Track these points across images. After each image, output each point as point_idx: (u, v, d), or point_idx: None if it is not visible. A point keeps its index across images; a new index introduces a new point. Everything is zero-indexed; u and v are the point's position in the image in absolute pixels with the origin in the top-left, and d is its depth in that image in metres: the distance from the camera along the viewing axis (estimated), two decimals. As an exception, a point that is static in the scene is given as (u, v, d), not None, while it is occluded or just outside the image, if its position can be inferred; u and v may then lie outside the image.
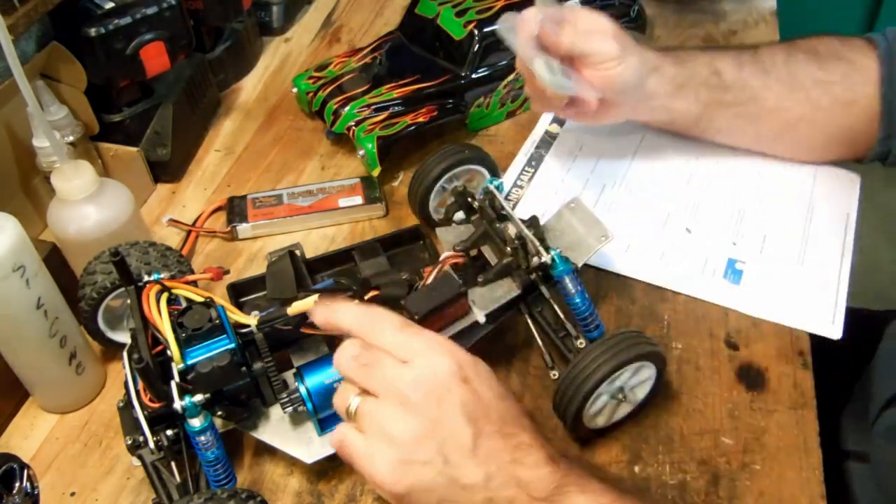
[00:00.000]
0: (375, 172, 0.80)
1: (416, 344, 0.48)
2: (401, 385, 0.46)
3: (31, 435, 0.63)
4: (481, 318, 0.58)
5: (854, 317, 0.66)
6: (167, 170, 0.83)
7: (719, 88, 0.72)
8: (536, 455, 0.47)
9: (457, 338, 0.59)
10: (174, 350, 0.52)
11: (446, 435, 0.45)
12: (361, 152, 0.79)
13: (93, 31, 0.73)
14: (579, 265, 0.61)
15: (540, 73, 0.65)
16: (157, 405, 0.51)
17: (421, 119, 0.81)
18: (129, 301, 0.55)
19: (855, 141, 0.73)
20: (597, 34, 0.67)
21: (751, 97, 0.72)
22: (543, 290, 0.61)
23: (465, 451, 0.45)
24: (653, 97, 0.72)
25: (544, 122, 0.88)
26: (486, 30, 0.82)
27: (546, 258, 0.59)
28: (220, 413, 0.54)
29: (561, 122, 0.87)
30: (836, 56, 0.71)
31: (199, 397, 0.51)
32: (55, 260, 0.66)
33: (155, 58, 0.78)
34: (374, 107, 0.81)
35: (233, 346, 0.53)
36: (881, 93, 0.69)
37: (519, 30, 0.66)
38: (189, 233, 0.78)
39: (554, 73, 0.65)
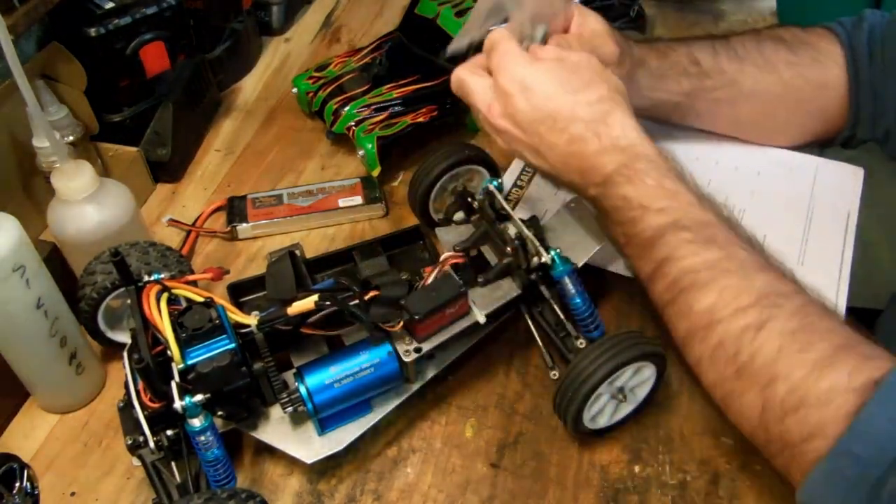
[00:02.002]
0: (375, 172, 0.79)
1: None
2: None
3: (31, 435, 0.63)
4: (481, 318, 0.58)
5: (854, 316, 0.66)
6: (167, 170, 0.83)
7: (699, 76, 0.73)
8: (591, 145, 0.56)
9: (457, 338, 0.59)
10: (174, 350, 0.52)
11: (550, 111, 0.56)
12: (361, 152, 0.79)
13: (93, 31, 0.74)
14: (579, 265, 0.61)
15: None
16: (157, 405, 0.51)
17: (421, 119, 0.81)
18: (129, 301, 0.55)
19: (827, 122, 0.75)
20: (597, 38, 0.67)
21: (729, 81, 0.73)
22: (543, 290, 0.61)
23: (555, 125, 0.56)
24: (638, 90, 0.72)
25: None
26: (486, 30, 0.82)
27: (546, 258, 0.59)
28: (220, 413, 0.54)
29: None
30: (801, 42, 0.73)
31: (199, 397, 0.51)
32: (55, 260, 0.66)
33: (155, 58, 0.78)
34: (374, 107, 0.81)
35: (233, 346, 0.53)
36: (848, 79, 0.71)
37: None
38: (189, 233, 0.78)
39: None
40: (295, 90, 0.88)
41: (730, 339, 0.49)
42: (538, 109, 0.57)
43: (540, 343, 0.62)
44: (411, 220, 0.76)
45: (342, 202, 0.79)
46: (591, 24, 0.66)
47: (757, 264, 0.51)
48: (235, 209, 0.79)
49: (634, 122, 0.57)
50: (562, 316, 0.61)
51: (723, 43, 0.74)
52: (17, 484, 0.53)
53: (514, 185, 0.81)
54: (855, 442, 0.42)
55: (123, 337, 0.64)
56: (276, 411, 0.57)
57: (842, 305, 0.67)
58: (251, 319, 0.54)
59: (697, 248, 0.52)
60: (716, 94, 0.74)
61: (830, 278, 0.69)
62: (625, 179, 0.55)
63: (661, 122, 0.79)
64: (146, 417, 0.52)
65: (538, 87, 0.57)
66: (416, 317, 0.55)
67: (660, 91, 0.73)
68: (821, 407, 0.44)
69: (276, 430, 0.57)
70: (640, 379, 0.58)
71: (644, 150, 0.56)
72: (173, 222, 0.78)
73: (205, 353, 0.52)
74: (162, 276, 0.57)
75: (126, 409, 0.54)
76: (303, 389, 0.55)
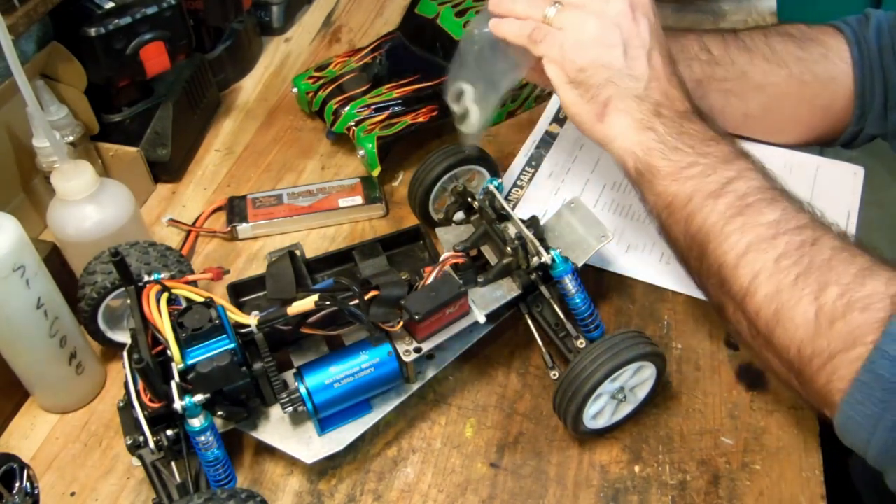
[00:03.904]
0: (375, 172, 0.79)
1: None
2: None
3: (31, 435, 0.63)
4: (481, 318, 0.59)
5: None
6: (167, 170, 0.83)
7: (710, 63, 0.73)
8: (681, 85, 0.61)
9: (457, 338, 0.59)
10: (174, 350, 0.52)
11: (633, 34, 0.59)
12: (361, 152, 0.79)
13: (93, 31, 0.73)
14: (579, 265, 0.61)
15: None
16: (157, 405, 0.51)
17: (421, 119, 0.81)
18: (129, 301, 0.55)
19: (833, 119, 0.75)
20: None
21: (740, 73, 0.74)
22: (543, 290, 0.61)
23: (642, 51, 0.59)
24: None
25: (544, 122, 0.88)
26: (485, 30, 0.82)
27: (546, 258, 0.59)
28: (220, 413, 0.54)
29: (561, 122, 0.87)
30: (809, 38, 0.73)
31: (199, 397, 0.51)
32: (55, 260, 0.66)
33: (155, 58, 0.78)
34: (374, 107, 0.81)
35: (233, 346, 0.53)
36: (854, 74, 0.71)
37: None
38: (189, 233, 0.78)
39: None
40: (295, 90, 0.88)
41: (791, 249, 0.52)
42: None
43: (540, 343, 0.62)
44: (411, 220, 0.76)
45: (342, 202, 0.79)
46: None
47: (800, 201, 0.56)
48: (235, 209, 0.79)
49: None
50: (562, 316, 0.61)
51: (731, 35, 0.75)
52: (17, 484, 0.53)
53: (514, 185, 0.81)
54: (890, 344, 0.45)
55: (123, 337, 0.64)
56: (276, 411, 0.57)
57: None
58: (251, 319, 0.54)
59: (760, 175, 0.57)
60: (727, 84, 0.74)
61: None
62: (700, 117, 0.60)
63: None
64: (146, 417, 0.52)
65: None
66: (416, 317, 0.55)
67: None
68: (863, 311, 0.47)
69: (276, 430, 0.57)
70: (640, 379, 0.58)
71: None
72: (173, 222, 0.78)
73: (205, 353, 0.52)
74: (162, 276, 0.57)
75: (126, 409, 0.54)
76: (303, 389, 0.55)
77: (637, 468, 0.59)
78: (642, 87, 0.59)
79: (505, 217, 0.64)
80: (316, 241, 0.78)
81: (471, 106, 0.69)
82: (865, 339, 0.47)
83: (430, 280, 0.58)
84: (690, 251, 0.58)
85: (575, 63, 0.60)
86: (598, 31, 0.59)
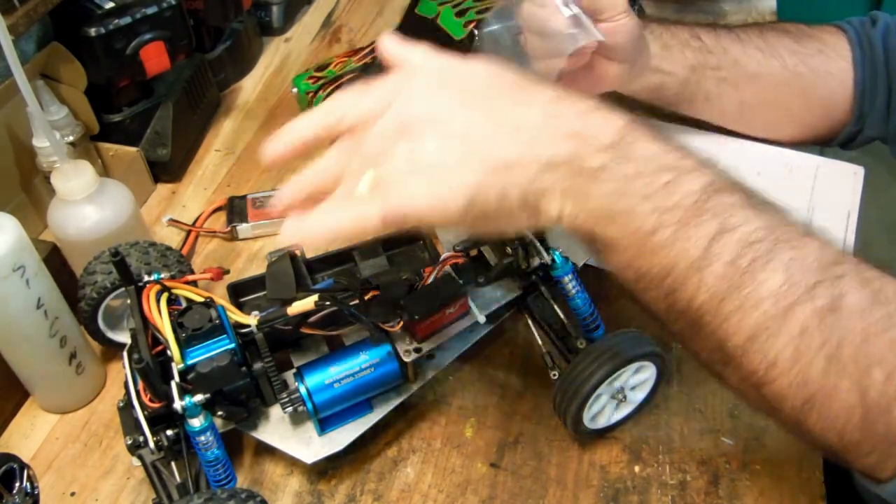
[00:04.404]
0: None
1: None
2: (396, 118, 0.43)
3: (31, 435, 0.63)
4: (481, 318, 0.58)
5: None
6: (167, 170, 0.83)
7: (702, 51, 0.73)
8: (588, 102, 0.43)
9: (457, 338, 0.59)
10: (174, 350, 0.52)
11: (465, 130, 0.42)
12: (361, 152, 0.79)
13: (93, 31, 0.73)
14: (579, 265, 0.61)
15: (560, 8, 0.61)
16: (157, 405, 0.51)
17: (421, 119, 0.80)
18: (129, 301, 0.55)
19: (831, 116, 0.74)
20: None
21: (732, 61, 0.73)
22: (543, 290, 0.61)
23: (488, 134, 0.41)
24: (647, 57, 0.71)
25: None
26: (486, 30, 0.82)
27: (546, 258, 0.59)
28: (220, 413, 0.54)
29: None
30: (805, 34, 0.73)
31: (199, 397, 0.51)
32: (55, 260, 0.66)
33: (155, 58, 0.78)
34: (374, 107, 0.81)
35: (233, 346, 0.53)
36: (855, 74, 0.71)
37: None
38: (189, 233, 0.78)
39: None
40: (295, 90, 0.88)
41: (812, 325, 0.40)
42: (499, 82, 0.44)
43: (540, 343, 0.62)
44: (411, 220, 0.76)
45: (342, 202, 0.79)
46: None
47: (799, 227, 0.43)
48: (235, 209, 0.79)
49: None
50: (562, 316, 0.61)
51: (724, 28, 0.75)
52: (17, 484, 0.53)
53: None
54: None
55: (123, 337, 0.64)
56: (276, 411, 0.57)
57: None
58: (251, 319, 0.54)
59: (746, 214, 0.42)
60: (721, 73, 0.74)
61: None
62: (643, 135, 0.43)
63: (671, 108, 0.79)
64: (146, 417, 0.52)
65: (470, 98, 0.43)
66: (416, 317, 0.55)
67: (666, 61, 0.73)
68: None
69: (276, 430, 0.57)
70: (640, 379, 0.58)
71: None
72: (173, 222, 0.78)
73: (205, 353, 0.52)
74: (162, 276, 0.57)
75: (126, 409, 0.54)
76: (303, 389, 0.55)
77: (637, 468, 0.59)
78: (538, 151, 0.42)
79: (505, 217, 0.64)
80: (316, 241, 0.78)
81: None
82: None
83: (430, 280, 0.58)
84: (675, 325, 0.45)
85: (457, 201, 0.41)
86: (436, 161, 0.42)
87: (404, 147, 0.42)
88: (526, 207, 0.42)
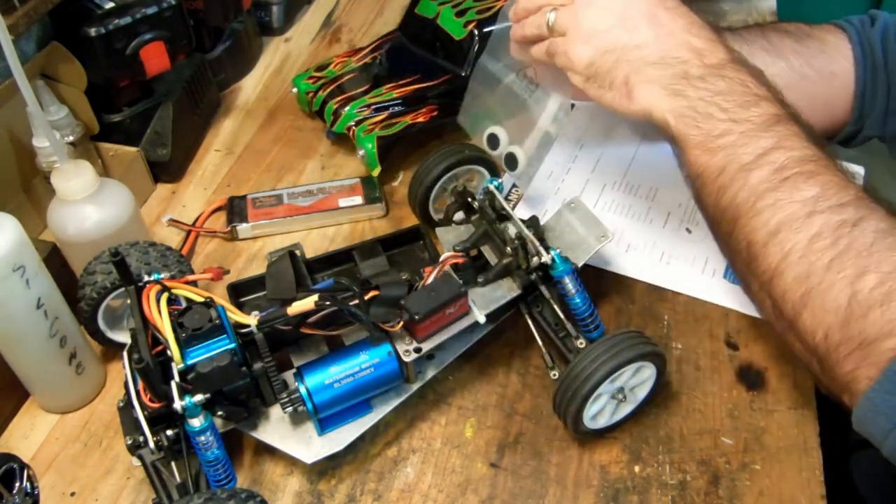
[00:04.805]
0: (375, 172, 0.79)
1: None
2: None
3: (31, 435, 0.63)
4: (481, 318, 0.58)
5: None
6: (167, 170, 0.83)
7: None
8: (710, 33, 0.57)
9: (457, 338, 0.59)
10: (174, 350, 0.52)
11: (625, 6, 0.57)
12: (361, 152, 0.79)
13: (93, 31, 0.73)
14: (579, 265, 0.61)
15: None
16: (157, 405, 0.51)
17: (421, 119, 0.81)
18: (129, 301, 0.55)
19: (832, 116, 0.74)
20: None
21: None
22: (543, 290, 0.61)
23: (640, 18, 0.57)
24: None
25: (545, 122, 0.87)
26: (486, 30, 0.82)
27: (546, 258, 0.59)
28: (220, 413, 0.54)
29: (561, 122, 0.87)
30: (806, 34, 0.73)
31: (199, 397, 0.51)
32: (55, 260, 0.66)
33: (155, 58, 0.78)
34: (374, 107, 0.81)
35: (233, 346, 0.53)
36: (856, 73, 0.71)
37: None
38: (189, 233, 0.78)
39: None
40: (295, 90, 0.88)
41: (828, 229, 0.49)
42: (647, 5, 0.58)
43: (540, 343, 0.62)
44: (411, 220, 0.76)
45: (342, 202, 0.79)
46: None
47: (847, 173, 0.52)
48: (235, 209, 0.79)
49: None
50: (562, 316, 0.61)
51: (727, 31, 0.74)
52: (17, 484, 0.53)
53: (514, 185, 0.81)
54: None
55: (123, 337, 0.64)
56: (276, 411, 0.57)
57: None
58: (251, 319, 0.54)
59: (805, 143, 0.52)
60: None
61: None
62: (743, 68, 0.55)
63: None
64: (146, 417, 0.52)
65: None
66: (416, 317, 0.55)
67: None
68: None
69: (276, 430, 0.57)
70: (640, 379, 0.58)
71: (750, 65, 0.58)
72: (173, 222, 0.78)
73: (205, 353, 0.52)
74: (162, 276, 0.57)
75: (126, 409, 0.54)
76: (303, 389, 0.55)
77: (637, 468, 0.59)
78: (654, 52, 0.56)
79: (505, 217, 0.64)
80: (316, 241, 0.78)
81: (513, 150, 0.70)
82: None
83: (430, 280, 0.58)
84: (720, 225, 0.56)
85: (582, 61, 0.59)
86: (590, 22, 0.58)
87: (571, 11, 0.60)
88: (625, 87, 0.57)
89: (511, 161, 0.71)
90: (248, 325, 0.55)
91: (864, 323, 0.46)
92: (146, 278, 0.56)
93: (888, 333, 0.45)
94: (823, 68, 0.72)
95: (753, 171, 0.52)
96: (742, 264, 0.55)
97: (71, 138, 0.74)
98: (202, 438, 0.52)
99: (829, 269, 0.48)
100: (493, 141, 0.72)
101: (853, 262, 0.47)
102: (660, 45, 0.56)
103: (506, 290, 0.61)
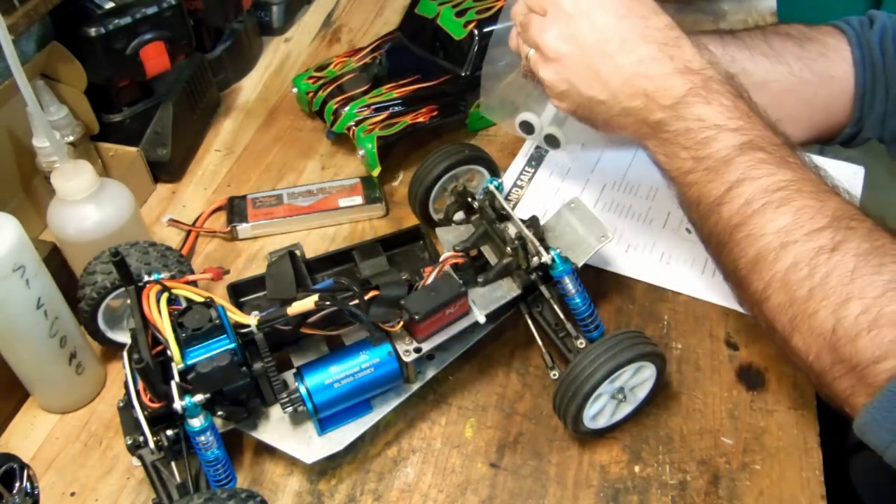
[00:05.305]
0: (375, 172, 0.79)
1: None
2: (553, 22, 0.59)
3: (31, 435, 0.63)
4: (481, 318, 0.59)
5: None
6: (167, 170, 0.83)
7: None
8: (661, 65, 0.56)
9: (457, 338, 0.59)
10: (174, 350, 0.52)
11: (580, 58, 0.58)
12: (361, 152, 0.79)
13: (93, 31, 0.73)
14: (579, 265, 0.61)
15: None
16: (157, 405, 0.51)
17: (421, 119, 0.81)
18: (129, 301, 0.55)
19: (832, 118, 0.74)
20: None
21: (741, 70, 0.73)
22: (543, 290, 0.61)
23: (601, 61, 0.57)
24: None
25: (544, 122, 0.87)
26: (486, 30, 0.82)
27: (546, 258, 0.59)
28: (220, 413, 0.54)
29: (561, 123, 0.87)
30: (807, 37, 0.73)
31: (199, 397, 0.51)
32: (55, 260, 0.66)
33: (155, 58, 0.78)
34: (374, 107, 0.81)
35: (233, 346, 0.53)
36: (856, 75, 0.71)
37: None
38: (189, 233, 0.78)
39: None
40: (295, 90, 0.88)
41: (804, 259, 0.49)
42: (605, 30, 0.57)
43: (540, 343, 0.62)
44: (411, 220, 0.76)
45: (342, 202, 0.79)
46: None
47: (827, 188, 0.52)
48: (235, 209, 0.79)
49: (700, 51, 0.58)
50: (562, 316, 0.61)
51: (729, 35, 0.75)
52: (17, 484, 0.53)
53: (514, 185, 0.81)
54: None
55: (123, 337, 0.64)
56: (276, 411, 0.57)
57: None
58: (251, 319, 0.54)
59: (773, 169, 0.52)
60: None
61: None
62: (700, 100, 0.55)
63: None
64: (146, 417, 0.52)
65: (604, 9, 0.57)
66: (416, 317, 0.55)
67: None
68: (893, 327, 0.45)
69: (276, 430, 0.57)
70: (640, 379, 0.58)
71: (716, 73, 0.56)
72: (173, 222, 0.78)
73: (205, 353, 0.52)
74: (162, 276, 0.57)
75: (126, 409, 0.54)
76: (303, 389, 0.55)
77: (637, 468, 0.59)
78: (614, 106, 0.58)
79: (505, 217, 0.64)
80: (316, 241, 0.78)
81: (551, 131, 0.71)
82: None
83: (430, 280, 0.58)
84: (708, 248, 0.58)
85: (553, 89, 0.61)
86: (553, 83, 0.60)
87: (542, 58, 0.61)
88: (608, 126, 0.60)
89: (552, 141, 0.72)
90: (248, 325, 0.55)
91: (853, 348, 0.47)
92: (146, 278, 0.56)
93: (882, 357, 0.45)
94: (823, 72, 0.72)
95: (724, 205, 0.53)
96: (733, 285, 0.57)
97: (71, 138, 0.74)
98: (202, 438, 0.52)
99: (810, 298, 0.49)
100: (527, 127, 0.72)
101: (835, 290, 0.47)
102: (616, 99, 0.57)
103: (506, 290, 0.61)
